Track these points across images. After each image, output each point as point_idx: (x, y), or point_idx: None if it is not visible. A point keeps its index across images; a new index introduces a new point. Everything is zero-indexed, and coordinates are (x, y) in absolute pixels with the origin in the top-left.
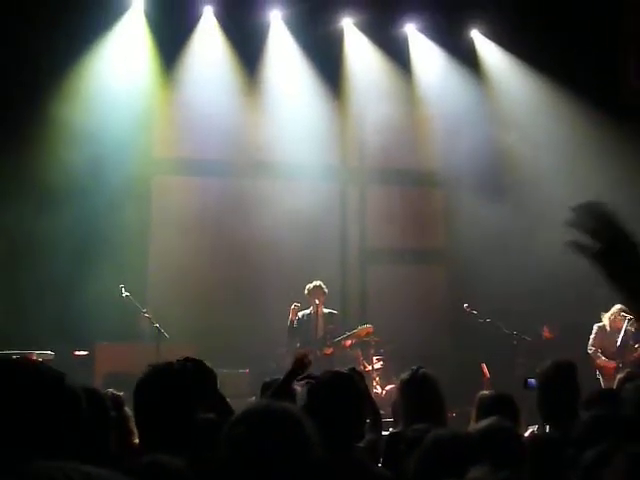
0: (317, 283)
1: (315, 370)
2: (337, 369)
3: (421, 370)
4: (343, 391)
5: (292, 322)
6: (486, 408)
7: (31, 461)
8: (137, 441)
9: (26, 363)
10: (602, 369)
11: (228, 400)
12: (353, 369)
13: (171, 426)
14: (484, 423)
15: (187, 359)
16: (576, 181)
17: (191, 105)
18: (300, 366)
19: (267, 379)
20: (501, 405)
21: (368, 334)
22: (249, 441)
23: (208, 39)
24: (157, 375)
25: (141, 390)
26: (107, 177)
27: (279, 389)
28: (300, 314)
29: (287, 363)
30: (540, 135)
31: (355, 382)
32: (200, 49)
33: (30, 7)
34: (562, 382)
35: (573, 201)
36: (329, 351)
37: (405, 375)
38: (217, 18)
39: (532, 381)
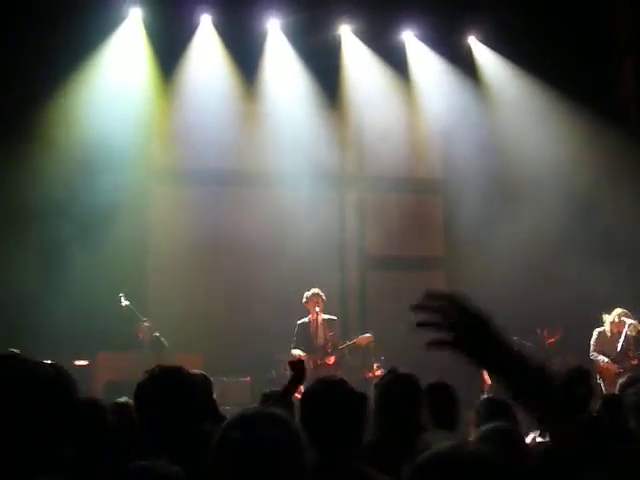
0: (315, 290)
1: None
2: (332, 376)
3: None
4: (335, 397)
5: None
6: (486, 412)
7: (35, 476)
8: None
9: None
10: (603, 373)
11: (228, 408)
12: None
13: (172, 431)
14: (485, 427)
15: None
16: (574, 186)
17: (189, 114)
18: (298, 371)
19: (266, 390)
20: (501, 409)
21: (369, 343)
22: (244, 444)
23: (206, 48)
24: (158, 380)
25: (142, 394)
26: (105, 186)
27: (281, 398)
28: (299, 322)
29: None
30: (537, 141)
31: (347, 387)
32: (198, 58)
33: (26, 17)
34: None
35: (572, 204)
36: (331, 360)
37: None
38: (215, 27)
39: None
